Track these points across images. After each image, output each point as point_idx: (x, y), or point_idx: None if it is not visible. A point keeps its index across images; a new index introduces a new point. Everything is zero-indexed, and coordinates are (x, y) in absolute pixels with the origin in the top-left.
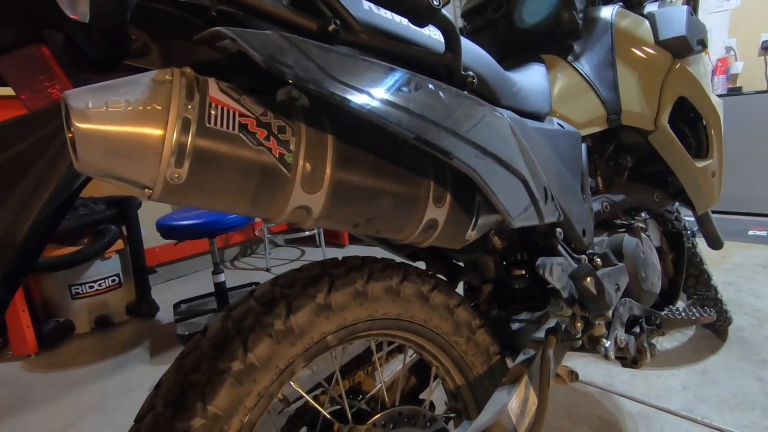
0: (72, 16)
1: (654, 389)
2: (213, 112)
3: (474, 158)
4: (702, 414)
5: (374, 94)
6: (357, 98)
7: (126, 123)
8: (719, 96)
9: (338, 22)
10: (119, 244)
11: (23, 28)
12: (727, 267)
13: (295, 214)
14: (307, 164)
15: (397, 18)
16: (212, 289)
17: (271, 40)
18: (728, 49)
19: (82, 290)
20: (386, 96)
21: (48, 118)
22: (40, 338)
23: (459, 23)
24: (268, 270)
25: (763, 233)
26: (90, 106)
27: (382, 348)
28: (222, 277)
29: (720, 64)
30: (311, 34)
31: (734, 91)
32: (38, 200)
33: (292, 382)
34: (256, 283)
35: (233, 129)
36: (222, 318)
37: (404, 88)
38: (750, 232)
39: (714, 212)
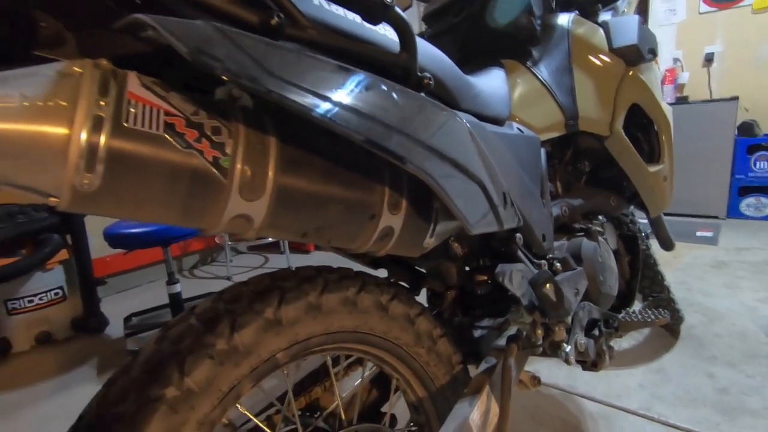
0: None
1: (614, 389)
2: (132, 109)
3: (430, 163)
4: (659, 412)
5: (319, 92)
6: (299, 97)
7: (20, 121)
8: (669, 104)
9: (282, 15)
10: (63, 254)
11: None
12: (678, 267)
13: (234, 224)
14: (246, 169)
15: (351, 15)
16: (167, 301)
17: (200, 30)
18: (675, 60)
19: (20, 305)
20: (332, 95)
21: None
22: None
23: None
24: (229, 278)
25: (710, 234)
26: None
27: (340, 362)
28: (178, 288)
29: (668, 74)
30: (252, 27)
31: (682, 100)
32: None
33: (238, 405)
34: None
35: (157, 129)
36: (157, 339)
37: (354, 88)
38: (698, 233)
39: (664, 214)
